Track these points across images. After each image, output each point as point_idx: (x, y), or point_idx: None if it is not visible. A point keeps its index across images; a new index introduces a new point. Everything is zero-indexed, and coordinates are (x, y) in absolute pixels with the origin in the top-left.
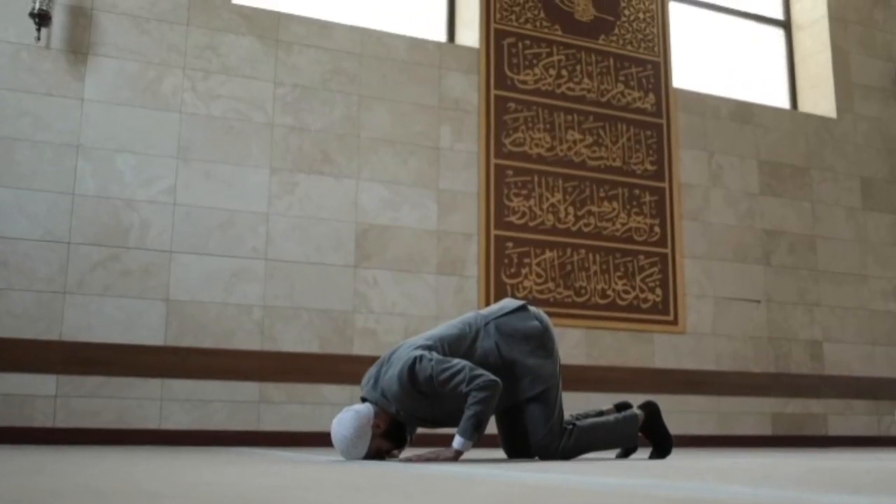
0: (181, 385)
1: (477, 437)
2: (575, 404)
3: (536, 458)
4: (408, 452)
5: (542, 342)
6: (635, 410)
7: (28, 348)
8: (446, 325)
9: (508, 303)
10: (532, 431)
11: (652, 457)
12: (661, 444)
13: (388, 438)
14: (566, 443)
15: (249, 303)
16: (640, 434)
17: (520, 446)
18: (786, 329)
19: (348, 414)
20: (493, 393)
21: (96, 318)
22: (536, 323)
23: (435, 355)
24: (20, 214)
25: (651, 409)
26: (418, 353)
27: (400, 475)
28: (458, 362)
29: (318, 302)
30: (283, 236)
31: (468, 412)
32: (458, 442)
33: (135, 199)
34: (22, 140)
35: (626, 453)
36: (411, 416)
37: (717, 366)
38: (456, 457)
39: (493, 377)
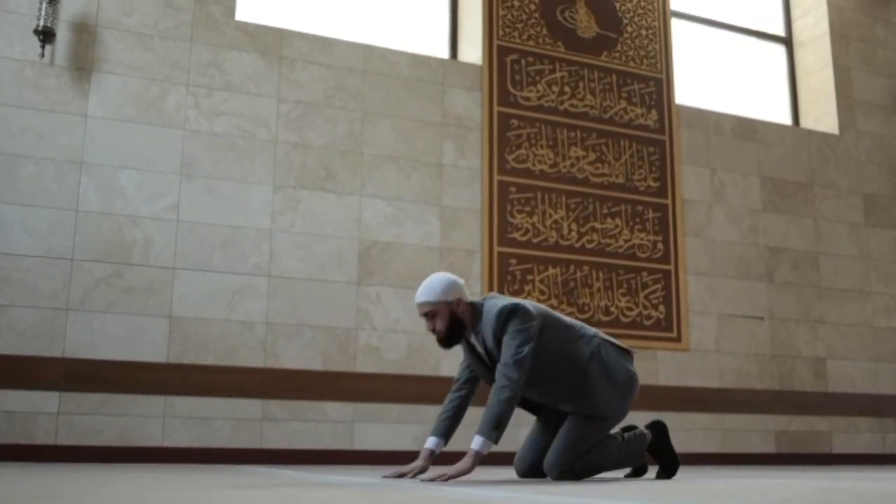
0: (184, 402)
1: (496, 438)
2: None
3: (549, 477)
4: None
5: (628, 386)
6: (643, 430)
7: (30, 365)
8: (560, 314)
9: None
10: (560, 441)
11: (658, 476)
12: (668, 464)
13: (448, 322)
14: (578, 465)
15: (252, 320)
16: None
17: (538, 459)
18: (789, 346)
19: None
20: (517, 395)
21: (99, 335)
22: (633, 369)
23: (530, 325)
24: (23, 230)
25: (659, 429)
26: (524, 308)
27: (415, 498)
28: (526, 349)
29: (321, 319)
30: (286, 253)
31: (491, 410)
32: (477, 442)
33: (138, 215)
34: (25, 156)
35: (635, 473)
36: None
37: (720, 383)
38: (475, 462)
39: (520, 383)
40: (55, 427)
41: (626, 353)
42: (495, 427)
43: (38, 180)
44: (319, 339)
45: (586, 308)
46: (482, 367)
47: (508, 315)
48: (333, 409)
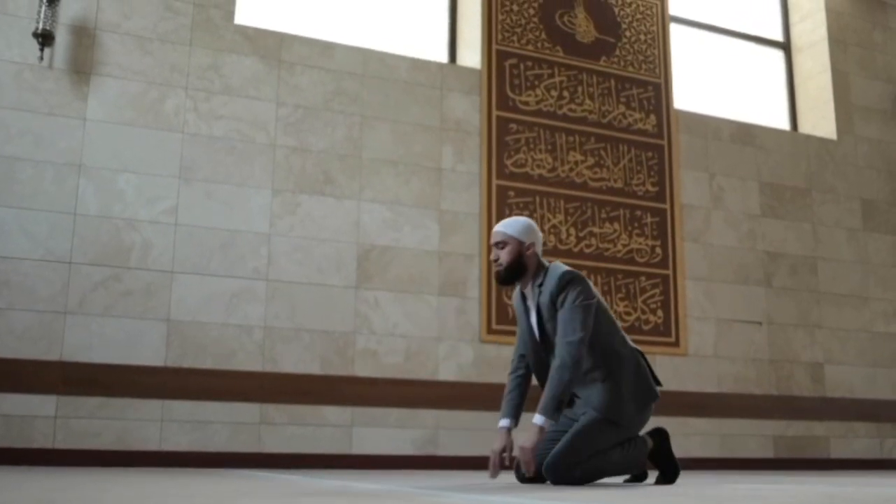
0: (181, 406)
1: (558, 417)
2: None
3: (548, 482)
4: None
5: (648, 401)
6: (645, 437)
7: (28, 368)
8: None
9: None
10: (565, 443)
11: (658, 482)
12: (669, 470)
13: (513, 258)
14: (578, 470)
15: (250, 323)
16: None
17: (540, 463)
18: (787, 351)
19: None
20: (577, 375)
21: (97, 339)
22: (657, 392)
23: (591, 302)
24: (21, 234)
25: (660, 436)
26: (586, 282)
27: None
28: (588, 325)
29: (320, 323)
30: (285, 257)
31: (554, 390)
32: (539, 419)
33: (136, 219)
34: (24, 159)
35: (635, 479)
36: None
37: (718, 388)
38: (541, 434)
39: (581, 358)
40: (53, 431)
41: (655, 380)
42: (557, 408)
43: (36, 183)
44: (318, 343)
45: None
46: (527, 326)
47: (570, 281)
48: (332, 413)
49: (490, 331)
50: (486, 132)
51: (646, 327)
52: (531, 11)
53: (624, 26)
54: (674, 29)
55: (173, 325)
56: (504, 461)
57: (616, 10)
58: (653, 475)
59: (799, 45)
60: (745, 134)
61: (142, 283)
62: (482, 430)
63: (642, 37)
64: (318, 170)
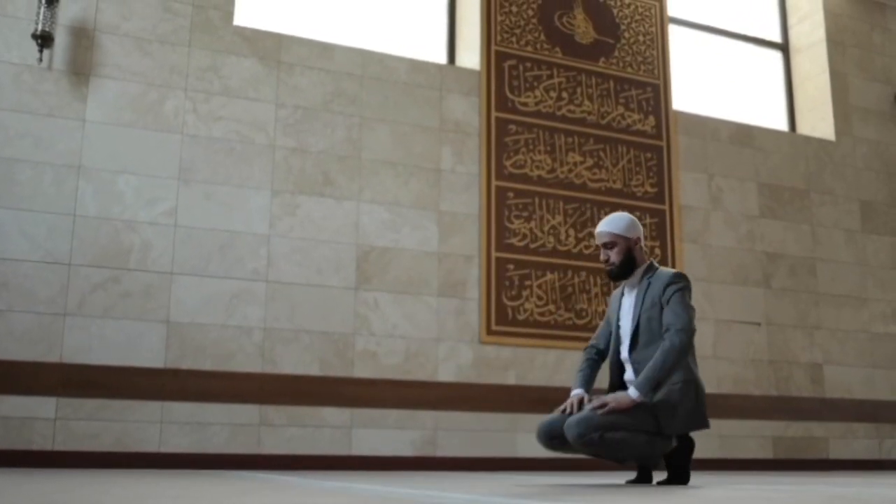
0: (181, 408)
1: (651, 398)
2: None
3: (567, 436)
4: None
5: (703, 412)
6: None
7: (28, 370)
8: None
9: None
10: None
11: (661, 483)
12: (678, 477)
13: (623, 257)
14: (600, 435)
15: (250, 325)
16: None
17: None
18: (786, 352)
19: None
20: (682, 356)
21: (96, 340)
22: (708, 423)
23: (690, 300)
24: (20, 235)
25: (686, 443)
26: (688, 283)
27: None
28: (693, 327)
29: (319, 324)
30: (284, 258)
31: (655, 371)
32: (635, 393)
33: (136, 220)
34: (23, 161)
35: (639, 480)
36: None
37: (718, 389)
38: (630, 405)
39: (690, 345)
40: (52, 432)
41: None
42: (653, 388)
43: (35, 185)
44: (317, 345)
45: (584, 314)
46: (617, 319)
47: (682, 279)
48: (331, 414)
49: (489, 332)
50: (486, 133)
51: None
52: (530, 12)
53: (623, 27)
54: (672, 30)
55: (173, 327)
56: (577, 405)
57: (615, 11)
58: (651, 477)
59: (797, 47)
60: (744, 135)
61: (141, 284)
62: (481, 432)
63: (641, 38)
64: (317, 171)
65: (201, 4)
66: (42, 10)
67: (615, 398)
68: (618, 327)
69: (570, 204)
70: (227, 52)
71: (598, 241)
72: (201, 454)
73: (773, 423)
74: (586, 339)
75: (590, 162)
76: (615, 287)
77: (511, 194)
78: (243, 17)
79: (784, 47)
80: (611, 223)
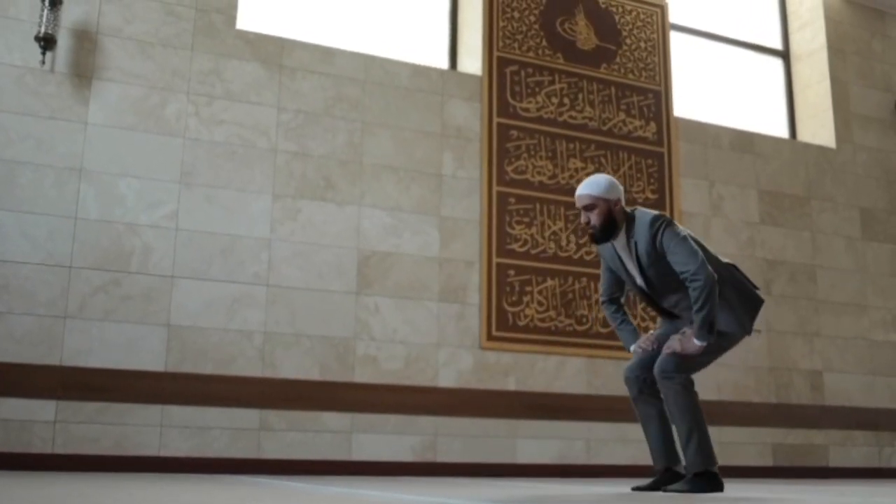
0: (181, 411)
1: (712, 337)
2: (576, 433)
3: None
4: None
5: (754, 305)
6: (716, 467)
7: (28, 373)
8: None
9: None
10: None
11: (668, 488)
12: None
13: (604, 219)
14: (685, 382)
15: (250, 329)
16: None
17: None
18: (786, 359)
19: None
20: (713, 290)
21: (97, 343)
22: (760, 296)
23: (684, 234)
24: (22, 238)
25: (715, 481)
26: (670, 219)
27: None
28: (696, 253)
29: (320, 328)
30: (285, 262)
31: (699, 318)
32: (699, 342)
33: (137, 223)
34: (24, 163)
35: (650, 487)
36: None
37: (717, 395)
38: (697, 349)
39: (713, 275)
40: (52, 435)
41: (752, 285)
42: (710, 331)
43: (37, 187)
44: (318, 349)
45: (584, 320)
46: (626, 275)
47: (659, 227)
48: (331, 419)
49: (490, 337)
50: (487, 139)
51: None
52: (532, 18)
53: (624, 34)
54: (674, 37)
55: (173, 330)
56: (648, 343)
57: (616, 17)
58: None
59: (798, 54)
60: (745, 142)
61: (142, 287)
62: (481, 437)
63: (642, 44)
64: (318, 175)
65: (204, 8)
66: (45, 12)
67: (684, 347)
68: (631, 279)
69: (571, 210)
70: (229, 56)
71: (579, 205)
72: (201, 458)
73: (772, 431)
74: (587, 346)
75: (591, 168)
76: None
77: (512, 200)
78: (246, 21)
79: (785, 54)
80: (590, 185)
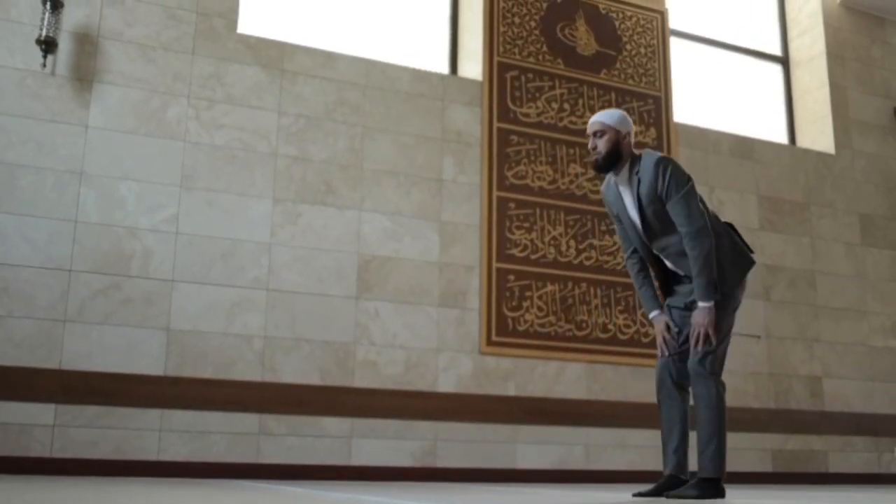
0: (181, 416)
1: (716, 295)
2: (576, 438)
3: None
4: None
5: (746, 262)
6: (723, 474)
7: (27, 376)
8: None
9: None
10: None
11: (672, 496)
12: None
13: (610, 147)
14: (719, 386)
15: (250, 333)
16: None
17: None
18: (786, 365)
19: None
20: (712, 253)
21: (96, 347)
22: (753, 259)
23: (691, 185)
24: (22, 240)
25: (716, 486)
26: (678, 165)
27: None
28: (699, 209)
29: (320, 333)
30: (285, 267)
31: (700, 278)
32: (704, 305)
33: (137, 227)
34: (25, 166)
35: (654, 493)
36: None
37: None
38: (712, 315)
39: (708, 241)
40: (51, 439)
41: (748, 247)
42: (714, 291)
43: (37, 190)
44: (317, 354)
45: (584, 325)
46: (626, 217)
47: (666, 169)
48: (331, 424)
49: (489, 342)
50: (487, 144)
51: (645, 340)
52: (532, 24)
53: (624, 39)
54: (674, 43)
55: (173, 334)
56: (670, 339)
57: (617, 23)
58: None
59: (797, 60)
60: (744, 147)
61: (142, 291)
62: (481, 442)
63: (643, 50)
64: (319, 180)
65: (205, 12)
66: (46, 15)
67: (699, 325)
68: (631, 221)
69: (570, 215)
70: (230, 60)
71: (589, 131)
72: (201, 463)
73: (772, 436)
74: (586, 351)
75: (591, 173)
76: (600, 180)
77: (512, 205)
78: (247, 25)
79: (784, 61)
80: (603, 114)
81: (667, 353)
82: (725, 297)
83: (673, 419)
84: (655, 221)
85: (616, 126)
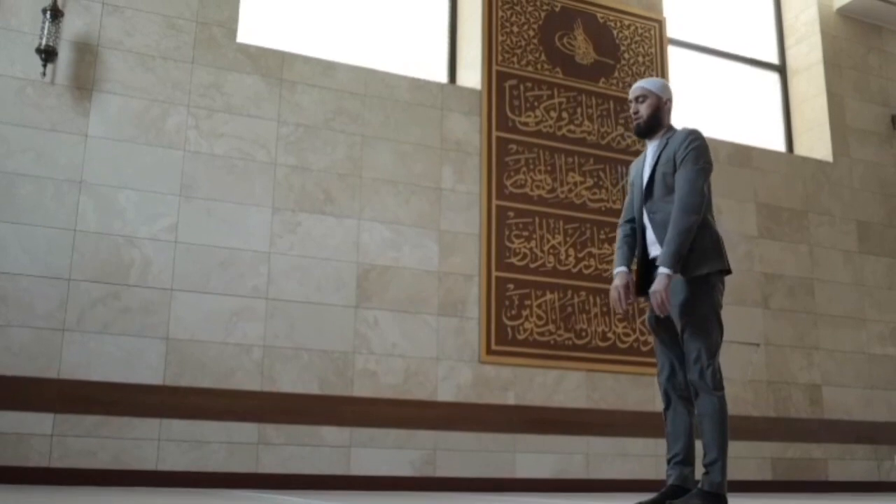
0: (179, 425)
1: (677, 268)
2: (576, 447)
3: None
4: None
5: (722, 246)
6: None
7: (25, 386)
8: None
9: None
10: (690, 350)
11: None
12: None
13: (652, 112)
14: (722, 398)
15: (249, 342)
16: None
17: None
18: (785, 373)
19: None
20: (691, 233)
21: (95, 356)
22: (730, 267)
23: (709, 166)
24: (20, 249)
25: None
26: (706, 145)
27: None
28: (704, 189)
29: (319, 342)
30: (284, 276)
31: (671, 245)
32: (664, 271)
33: (136, 236)
34: (24, 175)
35: (661, 499)
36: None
37: None
38: (665, 282)
39: (695, 222)
40: (49, 449)
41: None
42: (676, 263)
43: (36, 199)
44: (316, 363)
45: (584, 333)
46: (639, 182)
47: (695, 139)
48: (330, 433)
49: (489, 351)
50: (486, 152)
51: (644, 349)
52: (531, 33)
53: (622, 48)
54: (671, 51)
55: (172, 344)
56: (625, 297)
57: (615, 32)
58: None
59: (795, 68)
60: (742, 156)
61: (141, 300)
62: (480, 452)
63: (640, 59)
64: (318, 189)
65: (205, 21)
66: (46, 25)
67: (656, 293)
68: (640, 182)
69: (570, 224)
70: (229, 69)
71: (631, 96)
72: (199, 472)
73: (772, 445)
74: (586, 360)
75: (590, 182)
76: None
77: (511, 214)
78: (246, 34)
79: (781, 69)
80: (645, 81)
81: (618, 311)
82: (703, 282)
83: (678, 432)
84: (661, 184)
85: (658, 92)
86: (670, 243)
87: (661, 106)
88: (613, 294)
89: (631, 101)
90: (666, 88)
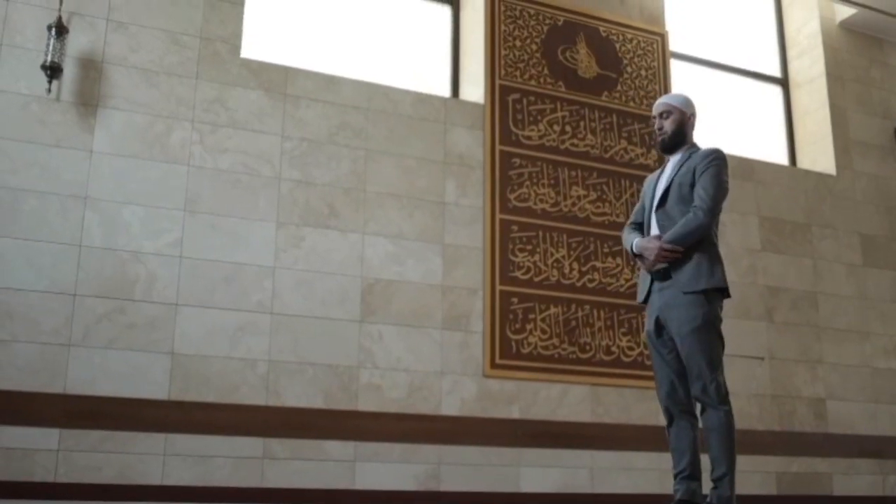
0: (184, 440)
1: (677, 248)
2: (580, 461)
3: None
4: None
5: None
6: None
7: (30, 401)
8: None
9: None
10: (693, 366)
11: None
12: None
13: (676, 128)
14: (729, 411)
15: (254, 357)
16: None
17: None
18: (789, 386)
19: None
20: (695, 237)
21: (100, 371)
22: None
23: (727, 181)
24: (26, 265)
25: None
26: (724, 159)
27: None
28: (720, 203)
29: (323, 357)
30: (289, 290)
31: (679, 230)
32: (665, 240)
33: (141, 251)
34: (29, 191)
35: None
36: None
37: None
38: (662, 247)
39: (707, 226)
40: (55, 464)
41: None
42: (678, 243)
43: (41, 215)
44: (321, 377)
45: (588, 347)
46: (651, 193)
47: (718, 157)
48: (335, 447)
49: (493, 365)
50: (490, 166)
51: (648, 362)
52: (534, 47)
53: (625, 62)
54: (674, 65)
55: (177, 359)
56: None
57: (617, 46)
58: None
59: (797, 81)
60: (745, 169)
61: (146, 315)
62: (485, 466)
63: (643, 72)
64: (322, 203)
65: (209, 37)
66: (51, 41)
67: (650, 248)
68: (652, 198)
69: (573, 237)
70: (233, 85)
71: (655, 112)
72: (204, 487)
73: (776, 459)
74: (590, 373)
75: (593, 195)
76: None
77: (515, 227)
78: (250, 49)
79: (784, 82)
80: (668, 96)
81: (651, 260)
82: (701, 297)
83: (682, 448)
84: (675, 193)
85: (682, 107)
86: (673, 234)
87: (685, 121)
88: (651, 245)
89: (654, 118)
90: (690, 104)
